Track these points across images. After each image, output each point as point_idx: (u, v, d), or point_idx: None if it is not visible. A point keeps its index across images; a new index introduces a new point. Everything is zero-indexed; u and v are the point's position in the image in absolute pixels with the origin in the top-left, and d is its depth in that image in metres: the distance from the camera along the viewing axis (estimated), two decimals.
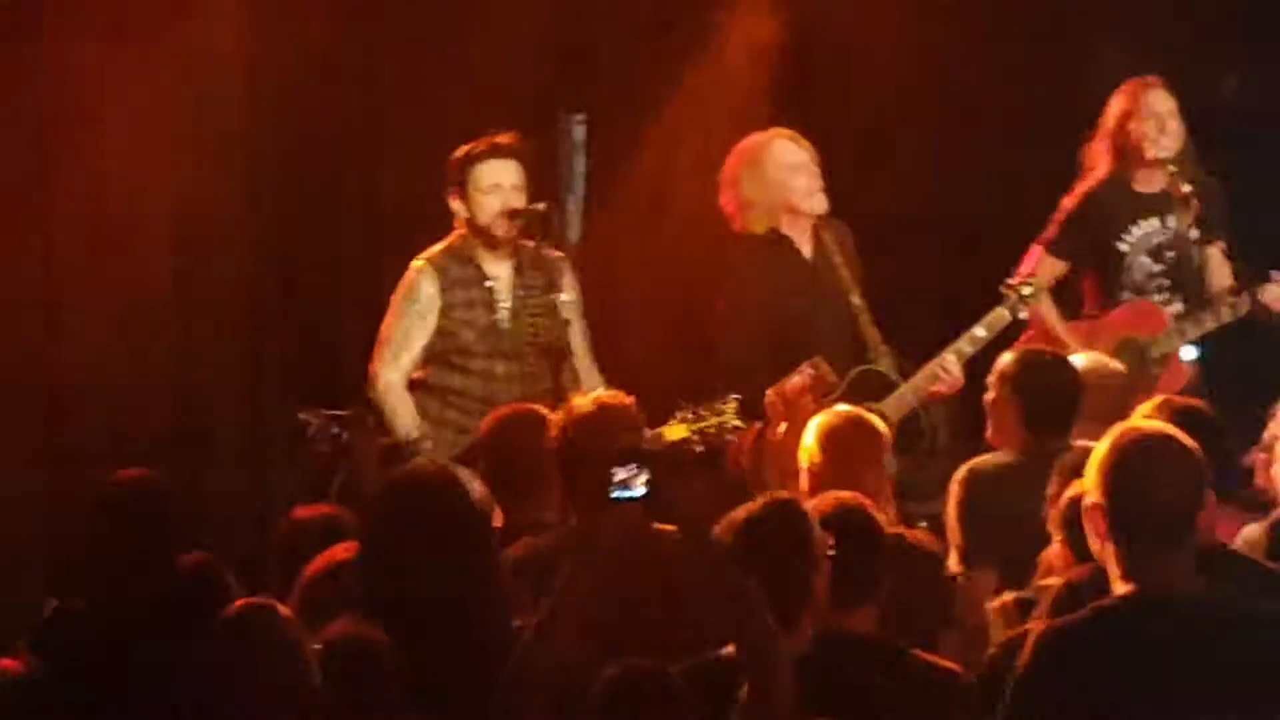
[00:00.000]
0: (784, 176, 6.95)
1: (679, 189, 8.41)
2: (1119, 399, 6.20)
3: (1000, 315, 6.93)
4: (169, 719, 4.22)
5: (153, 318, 7.72)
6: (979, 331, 6.88)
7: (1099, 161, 7.19)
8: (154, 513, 5.02)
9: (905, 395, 6.86)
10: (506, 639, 4.30)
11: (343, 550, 4.86)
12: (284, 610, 4.32)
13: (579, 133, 8.38)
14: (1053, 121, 7.77)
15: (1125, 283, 7.16)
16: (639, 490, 4.92)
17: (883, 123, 8.12)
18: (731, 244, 7.07)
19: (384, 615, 4.29)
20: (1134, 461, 3.90)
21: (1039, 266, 7.20)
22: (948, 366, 6.83)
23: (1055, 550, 5.05)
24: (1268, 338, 7.11)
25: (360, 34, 7.89)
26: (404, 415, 6.56)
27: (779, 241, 7.02)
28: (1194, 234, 7.13)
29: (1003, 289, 6.96)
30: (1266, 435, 5.60)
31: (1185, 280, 7.14)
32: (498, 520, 5.39)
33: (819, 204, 6.97)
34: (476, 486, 5.55)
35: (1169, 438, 3.94)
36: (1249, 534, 5.26)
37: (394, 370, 6.61)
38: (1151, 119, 7.10)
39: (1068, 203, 7.22)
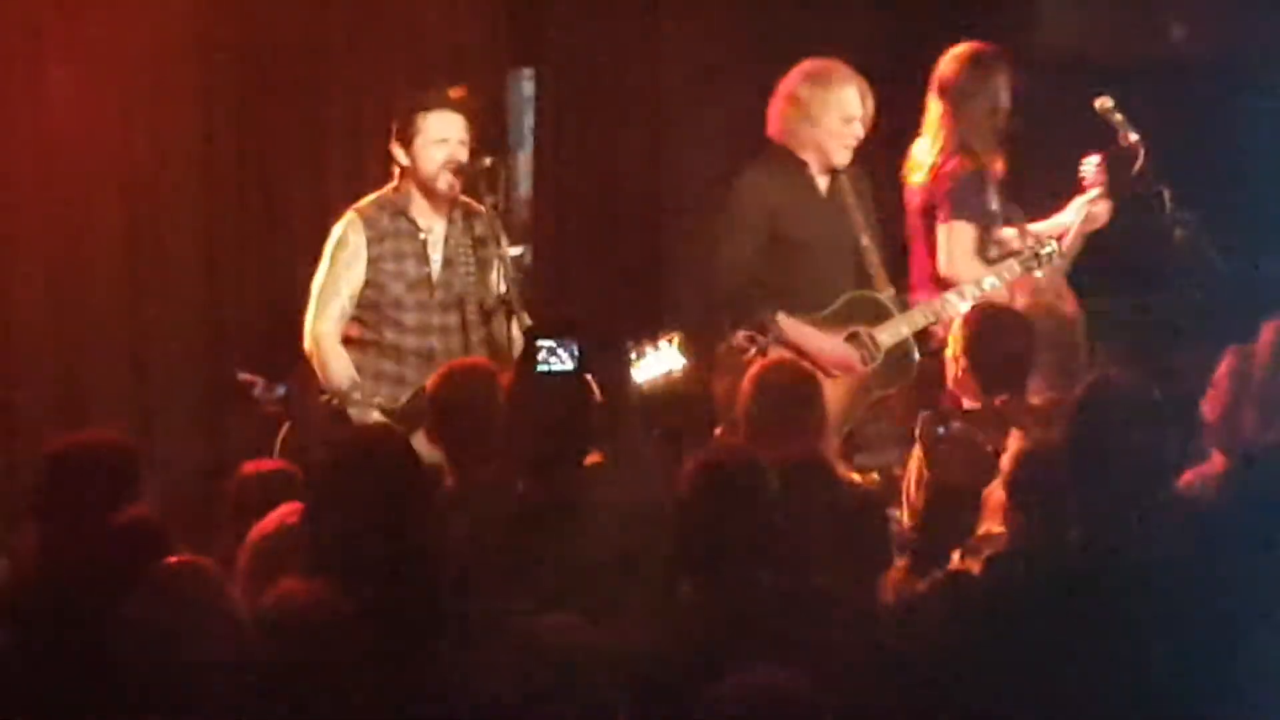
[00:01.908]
0: (832, 125, 6.93)
1: (629, 146, 8.41)
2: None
3: (1012, 268, 6.95)
4: (104, 676, 4.17)
5: (102, 273, 7.67)
6: (988, 280, 6.89)
7: (949, 129, 7.21)
8: (102, 471, 4.98)
9: (900, 325, 6.87)
10: (447, 600, 4.28)
11: (289, 510, 4.84)
12: (214, 568, 4.29)
13: (528, 88, 8.35)
14: None
15: (989, 240, 7.19)
16: (567, 363, 4.94)
17: None
18: (744, 162, 7.03)
19: (329, 574, 4.26)
20: None
21: (956, 237, 7.19)
22: (948, 307, 6.85)
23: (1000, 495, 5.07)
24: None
25: None
26: (336, 366, 6.51)
27: (791, 165, 6.99)
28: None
29: (1021, 245, 6.99)
30: (1216, 376, 5.62)
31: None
32: (449, 479, 5.38)
33: (846, 157, 6.97)
34: (420, 443, 5.56)
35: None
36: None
37: (324, 322, 6.55)
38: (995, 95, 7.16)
39: (947, 174, 7.20)
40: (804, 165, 6.99)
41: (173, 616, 4.10)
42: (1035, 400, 6.02)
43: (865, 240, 6.98)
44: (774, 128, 7.02)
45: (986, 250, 7.13)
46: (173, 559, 4.31)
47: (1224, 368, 5.65)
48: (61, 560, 4.72)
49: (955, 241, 7.15)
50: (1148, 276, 7.23)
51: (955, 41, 7.27)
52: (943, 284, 7.06)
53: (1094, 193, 7.20)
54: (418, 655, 4.19)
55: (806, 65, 7.01)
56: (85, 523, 4.78)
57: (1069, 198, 7.26)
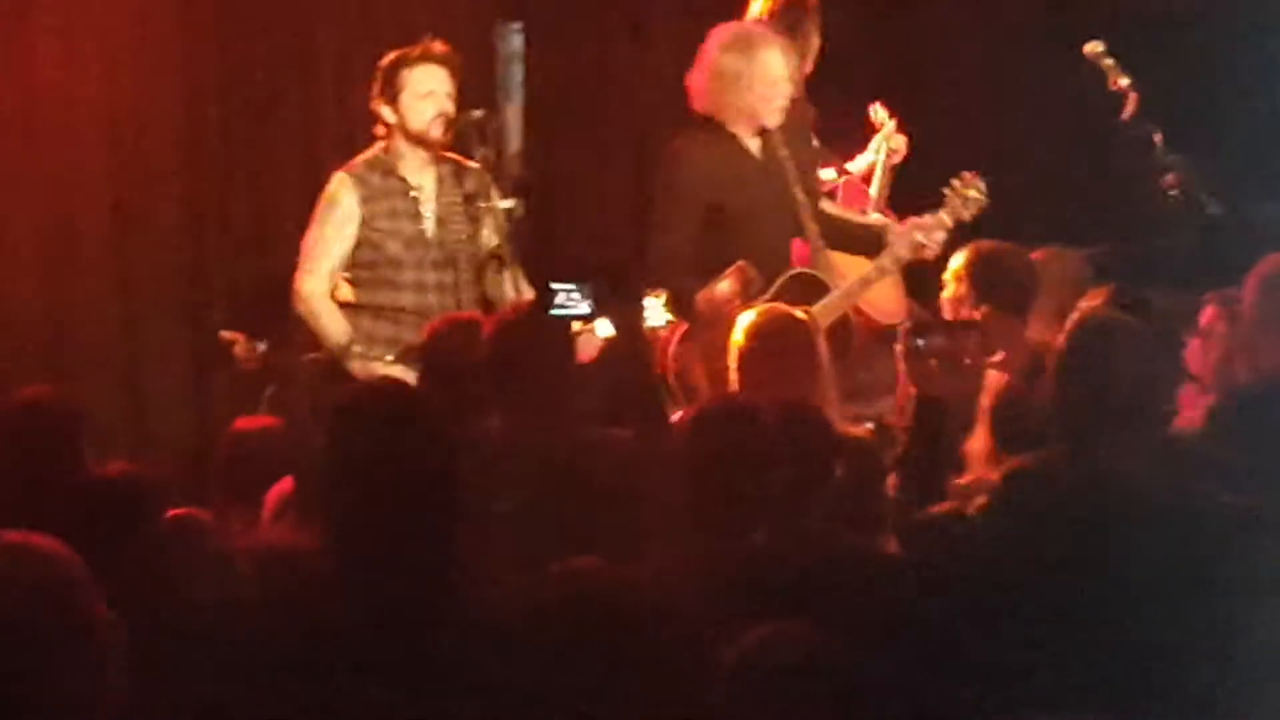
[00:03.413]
0: (758, 86, 6.77)
1: (618, 96, 8.38)
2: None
3: (941, 219, 6.86)
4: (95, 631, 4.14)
5: (89, 231, 7.65)
6: (917, 236, 6.82)
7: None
8: (55, 430, 4.92)
9: (836, 300, 6.77)
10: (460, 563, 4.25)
11: None
12: (212, 520, 4.27)
13: (516, 41, 8.31)
14: None
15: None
16: (584, 308, 4.92)
17: None
18: (673, 137, 6.95)
19: (335, 530, 4.23)
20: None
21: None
22: (884, 269, 6.79)
23: (983, 443, 5.06)
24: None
25: None
26: (331, 323, 6.49)
27: (723, 134, 6.85)
28: None
29: (946, 191, 6.90)
30: (1203, 323, 5.61)
31: None
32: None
33: (779, 118, 6.83)
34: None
35: None
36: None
37: (316, 280, 6.53)
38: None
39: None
40: (733, 135, 6.84)
41: (174, 569, 4.08)
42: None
43: (799, 193, 6.86)
44: (699, 102, 6.85)
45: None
46: (171, 512, 4.29)
47: (1208, 314, 5.64)
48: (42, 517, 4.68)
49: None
50: (1139, 220, 7.21)
51: None
52: None
53: (890, 126, 7.56)
54: (429, 610, 4.16)
55: (723, 35, 6.86)
56: (40, 486, 4.71)
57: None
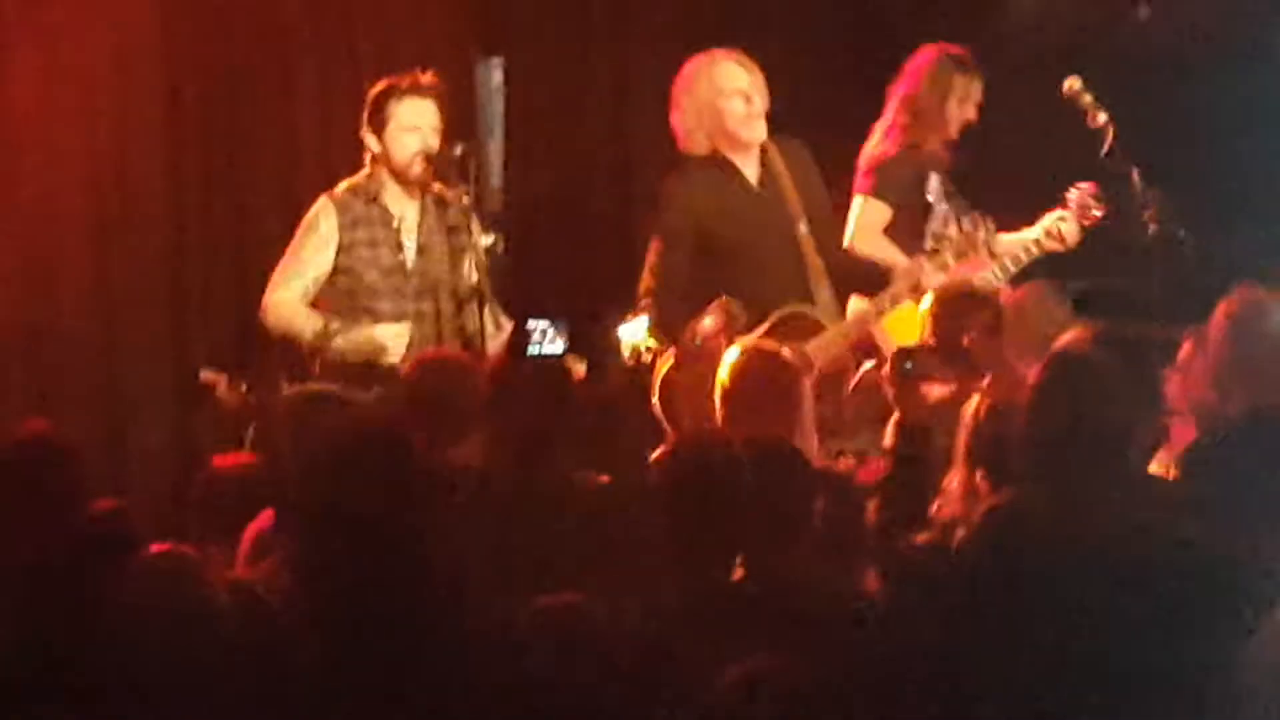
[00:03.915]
0: (718, 101, 6.82)
1: (597, 131, 8.39)
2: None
3: (945, 260, 6.82)
4: (85, 666, 4.17)
5: (70, 264, 7.64)
6: (921, 277, 6.72)
7: (910, 119, 7.20)
8: (52, 466, 4.93)
9: (832, 339, 6.76)
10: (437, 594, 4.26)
11: None
12: (195, 556, 4.28)
13: (497, 76, 8.33)
14: None
15: (928, 231, 7.19)
16: (557, 346, 4.95)
17: None
18: (669, 168, 6.96)
19: (314, 567, 4.24)
20: None
21: (871, 214, 7.19)
22: (881, 309, 6.78)
23: (960, 476, 5.07)
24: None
25: None
26: (302, 319, 6.46)
27: (718, 165, 6.89)
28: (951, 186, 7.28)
29: (958, 230, 6.92)
30: (1181, 357, 5.63)
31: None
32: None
33: (755, 131, 6.85)
34: None
35: None
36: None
37: (285, 291, 6.51)
38: (963, 90, 7.15)
39: (882, 154, 7.21)
40: (727, 162, 6.86)
41: (157, 604, 4.10)
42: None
43: (803, 228, 6.87)
44: (682, 142, 6.89)
45: (921, 240, 7.11)
46: (156, 547, 4.30)
47: (1187, 349, 5.66)
48: (34, 559, 4.69)
49: (865, 217, 7.13)
50: (1118, 255, 7.23)
51: (921, 37, 7.29)
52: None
53: (1060, 213, 7.13)
54: (408, 643, 4.17)
55: (683, 68, 6.91)
56: (38, 520, 4.73)
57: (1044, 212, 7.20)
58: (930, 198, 7.21)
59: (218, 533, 5.12)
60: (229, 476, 5.44)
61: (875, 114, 7.28)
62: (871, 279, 6.94)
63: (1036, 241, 7.13)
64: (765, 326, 6.68)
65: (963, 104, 7.20)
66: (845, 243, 7.07)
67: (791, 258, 6.85)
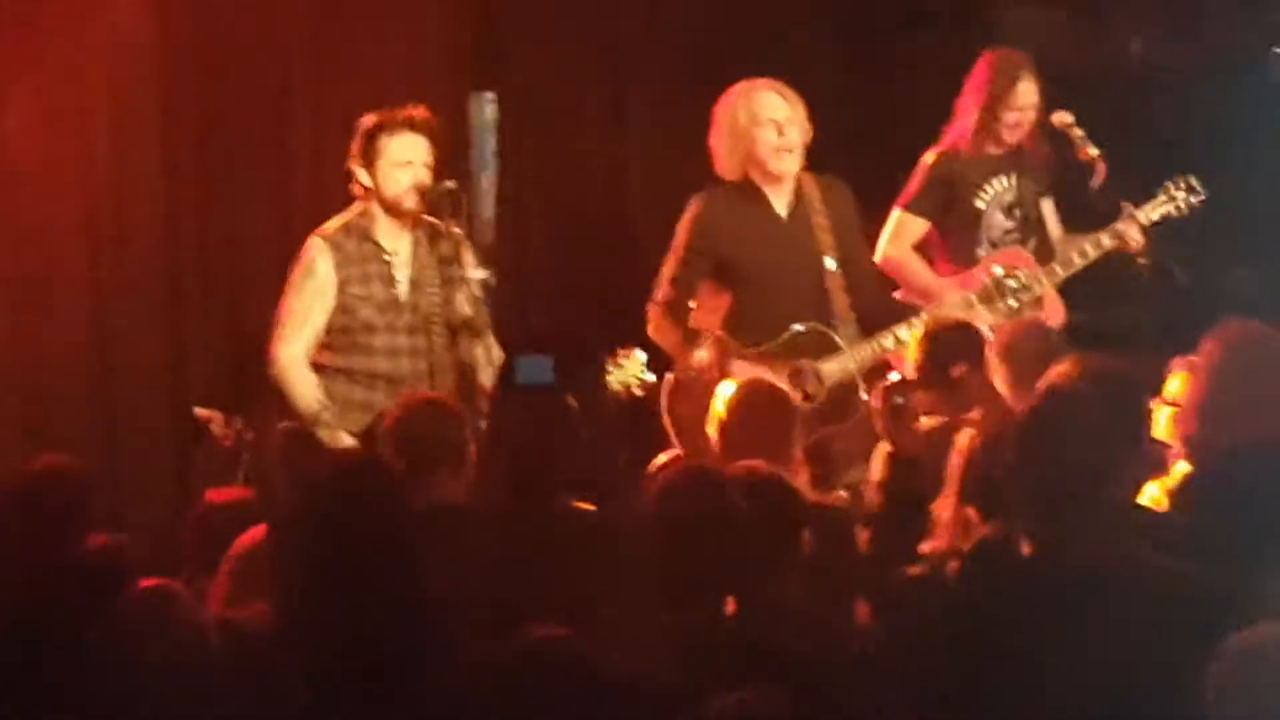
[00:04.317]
0: (753, 129, 6.84)
1: (591, 167, 8.42)
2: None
3: (970, 299, 6.88)
4: (75, 699, 4.18)
5: (65, 299, 7.65)
6: (940, 312, 6.79)
7: (964, 126, 7.22)
8: (67, 499, 4.97)
9: (847, 361, 6.77)
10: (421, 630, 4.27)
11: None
12: (185, 591, 4.30)
13: (490, 111, 8.35)
14: None
15: (981, 239, 7.21)
16: (547, 376, 4.96)
17: None
18: (698, 191, 6.97)
19: (299, 603, 4.25)
20: None
21: (903, 227, 7.22)
22: (896, 343, 6.79)
23: (950, 507, 5.08)
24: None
25: (269, 11, 7.82)
26: (305, 390, 6.48)
27: (746, 192, 6.91)
28: (1035, 189, 7.24)
29: (990, 274, 6.94)
30: (1167, 390, 5.64)
31: (1031, 234, 7.25)
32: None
33: (786, 164, 6.85)
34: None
35: None
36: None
37: (292, 346, 6.53)
38: (1006, 93, 7.16)
39: (925, 164, 7.25)
40: (757, 190, 6.90)
41: (146, 640, 4.11)
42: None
43: (830, 263, 6.90)
44: (718, 164, 6.92)
45: (975, 247, 7.11)
46: (145, 582, 4.31)
47: (1176, 382, 5.67)
48: (28, 590, 4.71)
49: (892, 230, 7.17)
50: (1108, 288, 7.26)
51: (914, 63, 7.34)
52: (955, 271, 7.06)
53: (1130, 211, 7.10)
54: (395, 678, 4.18)
55: (727, 91, 6.94)
56: (48, 551, 4.76)
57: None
58: (982, 204, 7.20)
59: (211, 566, 5.13)
60: (222, 510, 5.46)
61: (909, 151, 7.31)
62: (901, 319, 6.95)
63: (1098, 242, 7.11)
64: (784, 338, 6.70)
65: (1014, 104, 7.14)
66: (876, 255, 7.09)
67: (815, 291, 6.86)
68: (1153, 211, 7.11)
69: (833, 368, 6.78)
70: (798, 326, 6.78)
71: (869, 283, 7.00)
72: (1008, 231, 7.22)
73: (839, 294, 6.87)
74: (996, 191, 7.22)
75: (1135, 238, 7.09)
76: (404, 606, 3.95)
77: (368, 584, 3.93)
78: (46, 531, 4.88)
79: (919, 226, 7.21)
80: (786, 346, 6.75)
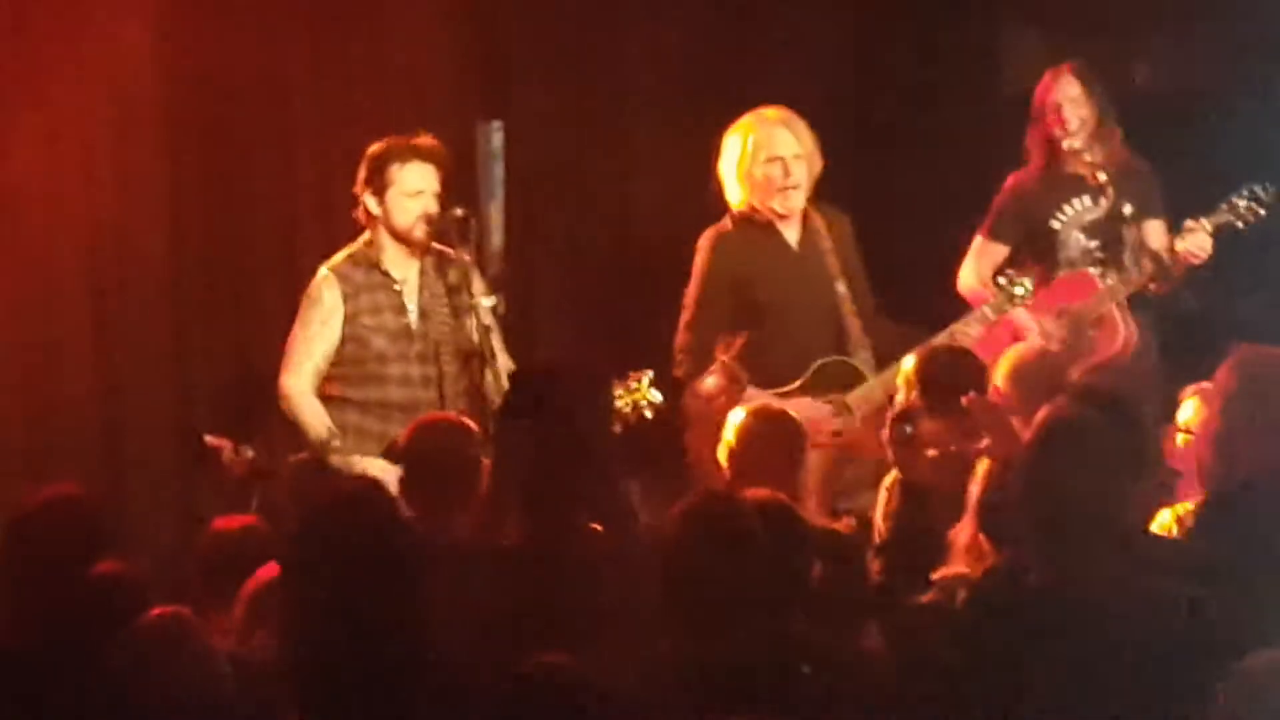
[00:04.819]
0: (755, 167, 6.83)
1: (599, 194, 8.42)
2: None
3: (984, 314, 6.88)
4: None
5: (72, 328, 7.64)
6: (961, 327, 6.81)
7: (1033, 149, 7.24)
8: (77, 528, 4.96)
9: (874, 389, 6.76)
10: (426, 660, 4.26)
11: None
12: (196, 619, 4.29)
13: (497, 139, 8.36)
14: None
15: (1061, 260, 7.19)
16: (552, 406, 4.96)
17: None
18: (710, 226, 6.96)
19: (304, 635, 4.23)
20: None
21: (982, 254, 7.22)
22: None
23: (968, 534, 5.07)
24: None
25: (274, 43, 7.83)
26: (314, 420, 6.49)
27: (757, 224, 6.90)
28: (1128, 210, 7.17)
29: (995, 285, 6.94)
30: (1180, 417, 5.62)
31: (1119, 254, 7.18)
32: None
33: (790, 201, 6.85)
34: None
35: None
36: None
37: (299, 377, 6.53)
38: (1054, 110, 7.16)
39: (1004, 189, 7.26)
40: (768, 223, 6.89)
41: (158, 667, 4.11)
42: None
43: (841, 287, 6.88)
44: (729, 194, 6.92)
45: (1055, 270, 7.09)
46: (156, 610, 4.31)
47: (1189, 409, 5.65)
48: (39, 619, 4.70)
49: (972, 257, 7.18)
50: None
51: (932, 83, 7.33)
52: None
53: (1189, 224, 7.02)
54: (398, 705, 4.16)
55: (736, 122, 6.92)
56: (59, 580, 4.76)
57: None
58: (1058, 224, 7.16)
59: (220, 594, 5.12)
60: (231, 538, 5.44)
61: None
62: (908, 340, 6.93)
63: (1156, 256, 7.03)
64: (808, 374, 6.68)
65: (1067, 110, 7.13)
66: (958, 285, 7.08)
67: (830, 320, 6.87)
68: (1217, 219, 7.01)
69: (859, 398, 6.75)
70: (821, 360, 6.77)
71: (870, 308, 6.99)
72: (1087, 251, 7.18)
73: (852, 319, 6.88)
74: (1077, 211, 7.19)
75: (1197, 247, 6.97)
76: (406, 632, 3.94)
77: (368, 611, 3.93)
78: (56, 560, 4.87)
79: (998, 252, 7.20)
80: (811, 383, 6.74)
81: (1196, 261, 7.03)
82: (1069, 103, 7.15)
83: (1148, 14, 8.10)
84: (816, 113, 7.14)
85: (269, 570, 4.87)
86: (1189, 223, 7.05)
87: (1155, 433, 5.57)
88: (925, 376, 5.95)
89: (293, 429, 6.58)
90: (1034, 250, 7.21)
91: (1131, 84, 8.01)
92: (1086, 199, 7.17)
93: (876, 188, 7.76)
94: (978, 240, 7.25)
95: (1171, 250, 7.04)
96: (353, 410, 6.53)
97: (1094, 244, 7.18)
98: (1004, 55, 8.41)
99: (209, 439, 6.54)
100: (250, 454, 6.41)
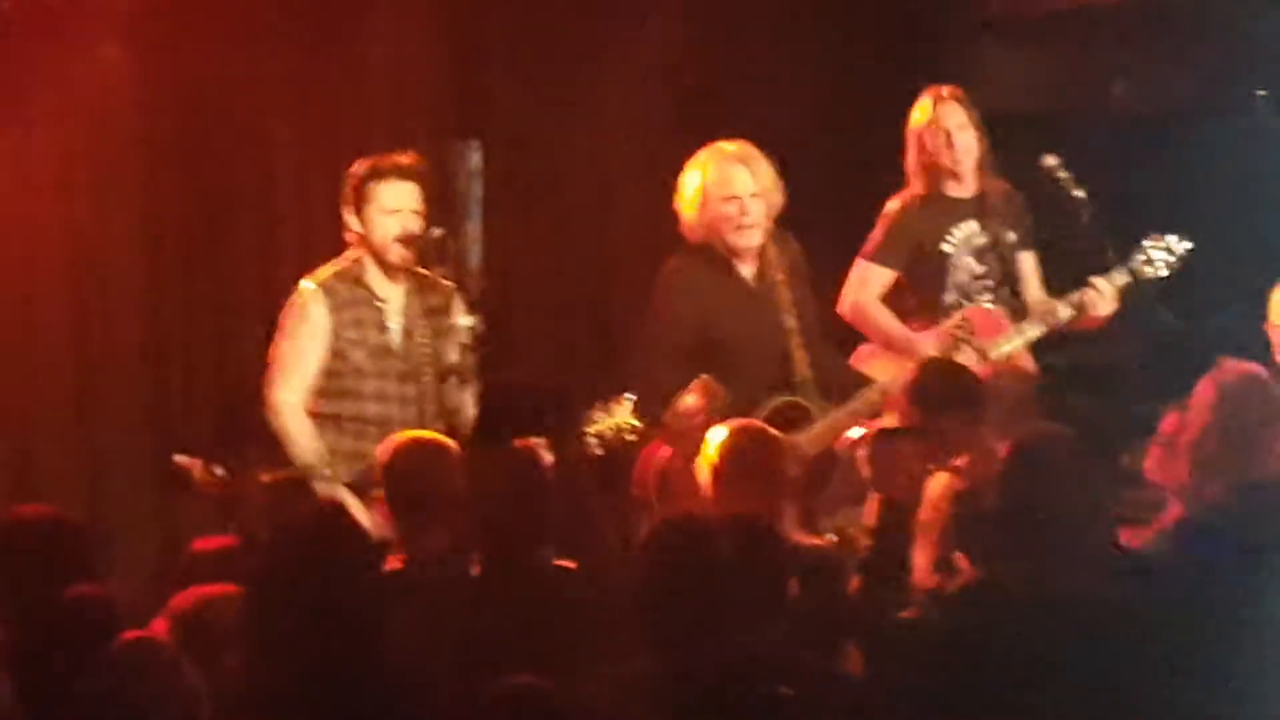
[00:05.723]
0: (711, 204, 6.78)
1: (577, 213, 8.42)
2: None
3: (962, 340, 6.84)
4: None
5: (48, 347, 7.63)
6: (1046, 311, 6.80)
7: (915, 173, 7.19)
8: (51, 549, 4.94)
9: (822, 430, 6.73)
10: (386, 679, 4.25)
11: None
12: (168, 643, 4.26)
13: (475, 159, 8.35)
14: None
15: (949, 284, 7.17)
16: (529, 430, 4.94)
17: None
18: (666, 260, 6.92)
19: (271, 654, 4.22)
20: None
21: (868, 277, 7.17)
22: (869, 405, 6.74)
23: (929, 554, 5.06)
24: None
25: (253, 61, 7.83)
26: (303, 441, 6.46)
27: (714, 258, 6.87)
28: (1011, 237, 7.17)
29: (954, 326, 6.88)
30: (1164, 430, 5.61)
31: (1005, 282, 7.18)
32: (399, 553, 5.35)
33: (746, 239, 6.80)
34: (365, 516, 5.54)
35: None
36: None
37: (289, 392, 6.52)
38: (942, 134, 7.13)
39: (888, 213, 7.21)
40: (722, 257, 6.83)
41: (131, 692, 4.08)
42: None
43: (790, 321, 6.83)
44: (683, 226, 6.87)
45: (942, 294, 7.05)
46: (129, 634, 4.28)
47: (1170, 422, 5.65)
48: (14, 639, 4.68)
49: (855, 282, 7.11)
50: (1095, 332, 7.23)
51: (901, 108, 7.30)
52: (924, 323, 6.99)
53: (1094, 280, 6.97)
54: None
55: (693, 157, 6.86)
56: (36, 600, 4.73)
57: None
58: (949, 248, 7.15)
59: None
60: (209, 559, 5.42)
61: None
62: (852, 373, 6.92)
63: (1054, 311, 6.98)
64: (763, 415, 6.62)
65: (956, 137, 7.09)
66: (838, 308, 7.03)
67: (778, 356, 6.81)
68: (1119, 279, 6.97)
69: (810, 439, 6.70)
70: (774, 401, 6.72)
71: (817, 337, 6.94)
72: (977, 277, 7.17)
73: (799, 353, 6.82)
74: (965, 235, 7.17)
75: (1100, 307, 6.96)
76: (373, 653, 3.93)
77: (335, 630, 3.91)
78: (30, 581, 4.84)
79: (885, 276, 7.15)
80: (766, 421, 6.69)
81: (1096, 324, 6.98)
82: (957, 128, 7.12)
83: None
84: (791, 138, 7.12)
85: (194, 593, 4.84)
86: (1095, 280, 6.97)
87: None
88: (920, 391, 5.94)
89: (268, 447, 6.54)
90: (922, 274, 7.15)
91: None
92: (973, 223, 7.15)
93: (847, 216, 7.71)
94: (860, 265, 7.15)
95: (1080, 306, 6.98)
96: (328, 426, 6.51)
97: (982, 269, 7.15)
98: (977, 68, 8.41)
99: (178, 459, 6.50)
100: (220, 472, 6.37)
